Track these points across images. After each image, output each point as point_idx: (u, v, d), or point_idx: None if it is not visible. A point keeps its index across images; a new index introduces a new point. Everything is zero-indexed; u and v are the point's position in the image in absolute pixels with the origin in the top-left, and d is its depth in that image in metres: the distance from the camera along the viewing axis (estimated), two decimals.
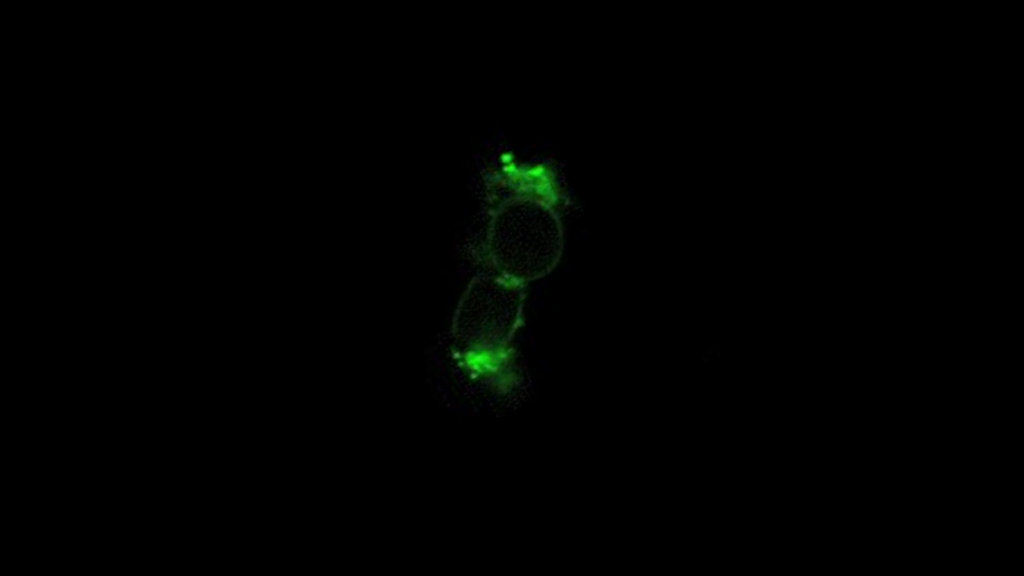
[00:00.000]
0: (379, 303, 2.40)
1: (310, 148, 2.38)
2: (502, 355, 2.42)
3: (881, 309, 2.35)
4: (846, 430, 2.36)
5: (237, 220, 2.36)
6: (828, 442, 2.36)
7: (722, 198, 2.42)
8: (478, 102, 2.41)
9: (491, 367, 2.42)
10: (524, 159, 2.41)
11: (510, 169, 2.41)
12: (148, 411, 2.29)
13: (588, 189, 2.43)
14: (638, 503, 2.40)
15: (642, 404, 2.41)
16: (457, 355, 2.42)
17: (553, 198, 2.42)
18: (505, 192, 2.42)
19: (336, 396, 2.39)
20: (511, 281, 2.42)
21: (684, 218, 2.43)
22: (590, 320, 2.43)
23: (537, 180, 2.42)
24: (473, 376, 2.42)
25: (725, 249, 2.42)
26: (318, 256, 2.38)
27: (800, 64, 2.36)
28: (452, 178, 2.41)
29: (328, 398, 2.38)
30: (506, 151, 2.40)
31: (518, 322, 2.41)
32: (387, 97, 2.39)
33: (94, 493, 2.25)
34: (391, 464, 2.39)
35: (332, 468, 2.37)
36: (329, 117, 2.40)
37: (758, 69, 2.37)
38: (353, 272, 2.41)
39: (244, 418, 2.34)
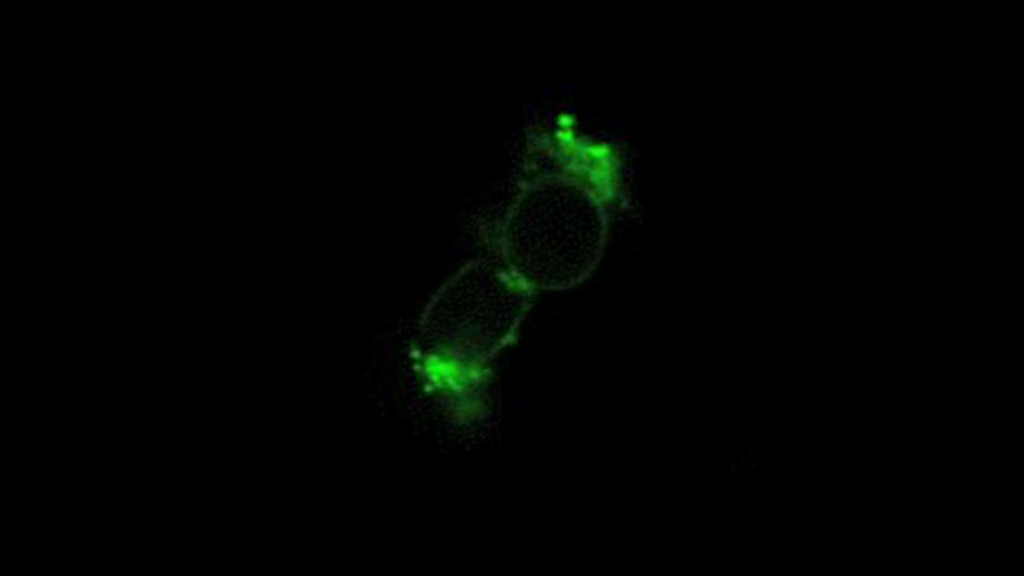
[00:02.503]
0: (341, 268, 2.33)
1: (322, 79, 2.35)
2: (473, 374, 2.31)
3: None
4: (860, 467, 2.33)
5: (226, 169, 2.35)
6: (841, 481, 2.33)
7: (819, 248, 2.33)
8: (547, 42, 2.32)
9: (455, 384, 2.31)
10: (588, 131, 2.31)
11: (565, 137, 2.30)
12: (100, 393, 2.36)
13: (656, 194, 2.32)
14: None
15: (628, 491, 2.31)
16: (416, 355, 2.30)
17: (608, 193, 2.30)
18: (549, 165, 2.32)
19: (261, 376, 2.33)
20: (518, 282, 2.29)
21: (762, 263, 2.33)
22: (600, 363, 2.32)
23: (595, 163, 2.31)
24: (428, 388, 2.30)
25: (801, 319, 2.32)
26: (283, 202, 2.34)
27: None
28: (485, 128, 2.33)
29: (252, 378, 2.33)
30: (568, 112, 2.30)
31: (509, 337, 2.30)
32: (434, 21, 2.33)
33: (62, 487, 2.36)
34: (299, 476, 2.33)
35: (237, 466, 2.33)
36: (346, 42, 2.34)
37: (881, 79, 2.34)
38: (324, 228, 2.34)
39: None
